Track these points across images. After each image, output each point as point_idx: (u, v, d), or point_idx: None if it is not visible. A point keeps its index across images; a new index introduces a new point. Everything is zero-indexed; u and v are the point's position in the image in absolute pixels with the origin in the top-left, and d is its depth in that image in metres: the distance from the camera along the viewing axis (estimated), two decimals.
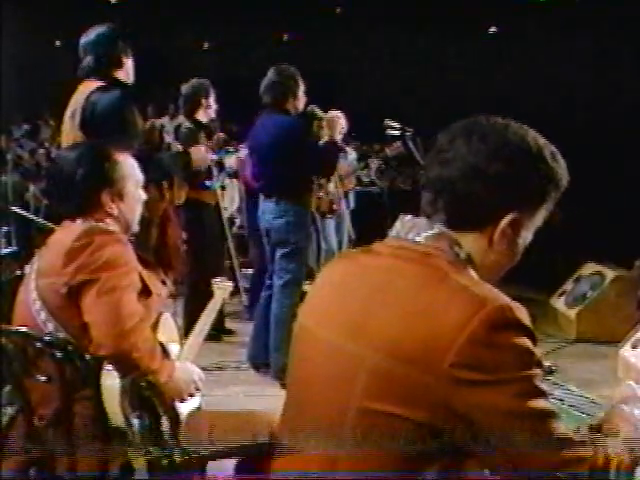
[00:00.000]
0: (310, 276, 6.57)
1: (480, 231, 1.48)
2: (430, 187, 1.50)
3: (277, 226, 4.68)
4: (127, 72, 3.69)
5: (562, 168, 1.50)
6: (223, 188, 5.69)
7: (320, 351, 1.52)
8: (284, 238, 4.69)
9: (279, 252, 4.74)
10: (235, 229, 7.76)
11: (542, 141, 1.49)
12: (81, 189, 2.39)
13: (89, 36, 3.68)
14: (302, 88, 4.72)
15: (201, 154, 4.03)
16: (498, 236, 1.47)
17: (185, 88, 5.69)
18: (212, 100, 5.66)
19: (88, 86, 3.58)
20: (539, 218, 1.51)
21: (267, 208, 4.76)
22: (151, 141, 4.71)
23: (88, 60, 3.63)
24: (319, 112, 5.08)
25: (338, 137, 5.05)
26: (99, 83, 3.57)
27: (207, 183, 5.44)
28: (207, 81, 5.73)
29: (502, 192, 1.45)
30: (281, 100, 4.63)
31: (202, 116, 5.62)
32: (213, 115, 5.74)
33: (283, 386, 4.61)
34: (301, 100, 4.73)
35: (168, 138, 5.60)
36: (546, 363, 1.87)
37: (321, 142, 5.04)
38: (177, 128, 5.61)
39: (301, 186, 4.75)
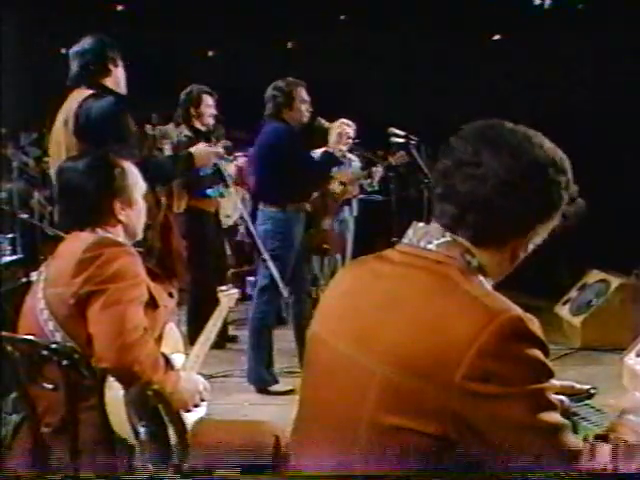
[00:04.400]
0: (314, 283, 6.58)
1: (504, 246, 1.49)
2: (456, 201, 1.47)
3: (259, 232, 4.80)
4: (116, 80, 3.69)
5: (571, 175, 1.52)
6: (222, 196, 5.69)
7: (330, 360, 1.52)
8: (264, 244, 4.81)
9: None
10: (239, 236, 7.77)
11: (560, 152, 1.51)
12: (94, 199, 2.40)
13: (77, 46, 3.70)
14: (301, 99, 4.84)
15: (203, 151, 3.97)
16: (523, 249, 1.50)
17: (181, 96, 5.68)
18: (205, 107, 5.58)
19: (80, 94, 3.59)
20: (552, 225, 1.53)
21: (257, 214, 4.97)
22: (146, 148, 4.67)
23: (75, 69, 3.65)
24: (324, 123, 5.01)
25: (344, 146, 5.01)
26: (89, 91, 3.58)
27: (208, 191, 5.43)
28: (200, 89, 5.62)
29: (533, 207, 1.47)
30: (276, 111, 4.79)
31: (199, 124, 5.59)
32: (210, 122, 5.67)
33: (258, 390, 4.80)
34: (299, 111, 4.83)
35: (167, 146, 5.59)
36: (585, 386, 1.86)
37: (317, 152, 5.01)
38: (178, 136, 5.60)
39: (281, 194, 4.82)
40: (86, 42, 3.70)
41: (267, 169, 4.85)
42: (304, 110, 4.86)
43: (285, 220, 4.83)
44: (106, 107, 3.51)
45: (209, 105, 5.64)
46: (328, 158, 4.88)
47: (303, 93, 4.86)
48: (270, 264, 4.56)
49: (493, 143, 1.47)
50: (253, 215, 6.60)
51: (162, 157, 4.75)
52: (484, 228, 1.46)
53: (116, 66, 3.69)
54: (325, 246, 6.57)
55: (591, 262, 6.21)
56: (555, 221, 1.52)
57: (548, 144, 1.50)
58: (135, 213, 2.49)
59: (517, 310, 1.37)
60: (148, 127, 5.71)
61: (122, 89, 3.73)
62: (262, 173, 4.96)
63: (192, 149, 4.00)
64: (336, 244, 6.71)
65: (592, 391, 1.86)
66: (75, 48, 3.70)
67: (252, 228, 4.89)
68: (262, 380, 4.85)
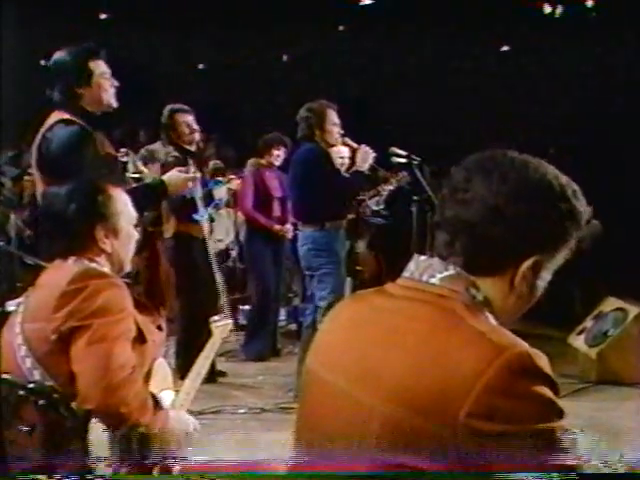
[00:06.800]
0: None
1: (501, 275, 1.48)
2: (446, 228, 1.50)
3: (302, 253, 5.20)
4: (99, 94, 3.58)
5: (584, 206, 1.51)
6: (212, 220, 5.69)
7: (329, 397, 1.52)
8: (309, 265, 5.20)
9: (313, 278, 5.21)
10: (231, 262, 7.77)
11: (564, 179, 1.50)
12: (74, 224, 2.38)
13: (57, 56, 3.59)
14: (332, 122, 5.17)
15: (175, 178, 3.89)
16: (519, 280, 1.47)
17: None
18: (184, 127, 5.59)
19: (52, 118, 3.51)
20: (560, 258, 1.52)
21: (298, 236, 5.35)
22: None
23: (54, 88, 3.55)
24: (350, 143, 5.25)
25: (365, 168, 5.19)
26: (61, 115, 3.48)
27: (195, 216, 5.41)
28: (172, 110, 5.63)
29: (524, 235, 1.46)
30: (309, 132, 5.16)
31: (184, 144, 5.59)
32: (194, 138, 5.62)
33: None
34: (329, 133, 5.16)
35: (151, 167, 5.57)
36: None
37: (346, 172, 5.27)
38: (165, 156, 5.59)
39: (319, 212, 5.13)
40: (67, 55, 3.62)
41: (303, 189, 5.19)
42: (335, 132, 5.17)
43: (325, 237, 5.12)
44: (66, 139, 3.41)
45: (186, 122, 5.62)
46: (358, 177, 5.17)
47: (334, 116, 5.18)
48: None
49: (486, 168, 1.48)
50: (249, 237, 6.64)
51: (134, 185, 4.67)
52: (473, 254, 1.47)
53: (100, 79, 3.61)
54: (358, 268, 6.66)
55: (607, 289, 6.20)
56: (563, 254, 1.51)
57: (547, 170, 1.49)
58: (121, 243, 2.45)
59: (524, 346, 1.38)
60: (122, 151, 5.67)
61: (105, 104, 3.64)
62: (298, 193, 5.32)
63: (165, 177, 3.92)
64: (369, 266, 6.81)
65: None
66: (55, 59, 3.61)
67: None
68: None
